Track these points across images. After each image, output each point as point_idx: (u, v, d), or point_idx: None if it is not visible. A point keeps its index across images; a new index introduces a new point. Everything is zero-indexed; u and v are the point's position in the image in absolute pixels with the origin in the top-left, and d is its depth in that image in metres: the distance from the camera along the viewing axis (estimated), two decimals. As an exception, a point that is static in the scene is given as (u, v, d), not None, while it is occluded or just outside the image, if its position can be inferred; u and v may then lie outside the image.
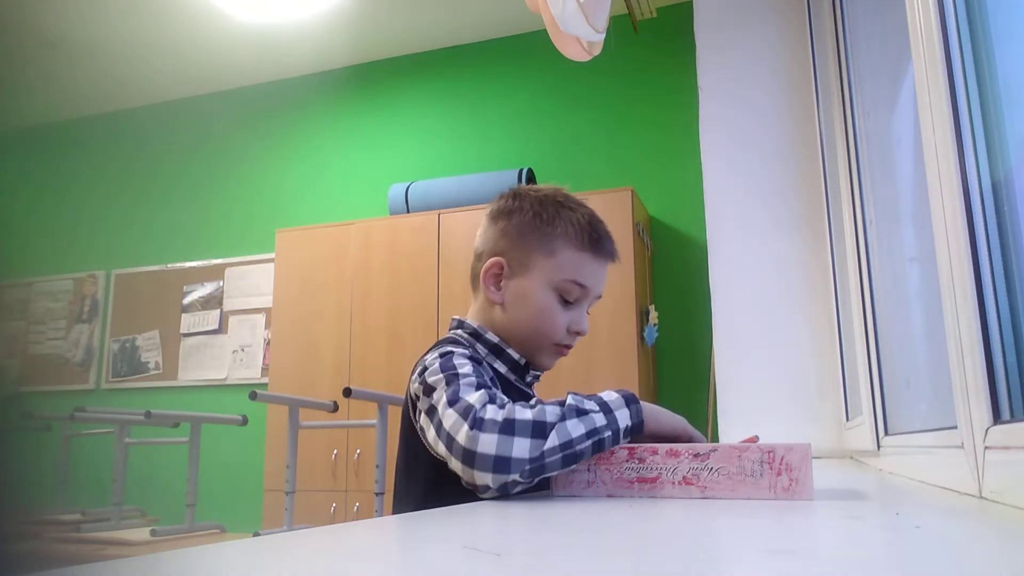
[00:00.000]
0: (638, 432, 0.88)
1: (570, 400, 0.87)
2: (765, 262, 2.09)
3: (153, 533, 2.96)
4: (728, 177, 2.17)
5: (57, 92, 4.63)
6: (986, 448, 0.68)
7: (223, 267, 4.43)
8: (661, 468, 0.79)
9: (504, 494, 0.82)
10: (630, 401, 0.88)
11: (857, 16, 1.71)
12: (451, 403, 0.87)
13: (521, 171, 3.56)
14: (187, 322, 4.44)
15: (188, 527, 3.10)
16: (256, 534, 2.29)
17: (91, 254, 4.78)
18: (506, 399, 0.88)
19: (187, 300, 4.47)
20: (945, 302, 0.80)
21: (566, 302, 1.08)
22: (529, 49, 3.99)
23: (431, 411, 0.91)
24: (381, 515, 2.50)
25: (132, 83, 4.58)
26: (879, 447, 1.45)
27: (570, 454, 0.82)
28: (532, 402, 0.87)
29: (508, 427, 0.82)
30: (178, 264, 4.55)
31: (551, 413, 0.84)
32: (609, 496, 0.80)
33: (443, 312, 3.41)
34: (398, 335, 3.47)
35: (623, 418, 0.86)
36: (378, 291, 3.55)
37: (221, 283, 4.42)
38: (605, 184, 3.62)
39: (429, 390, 0.93)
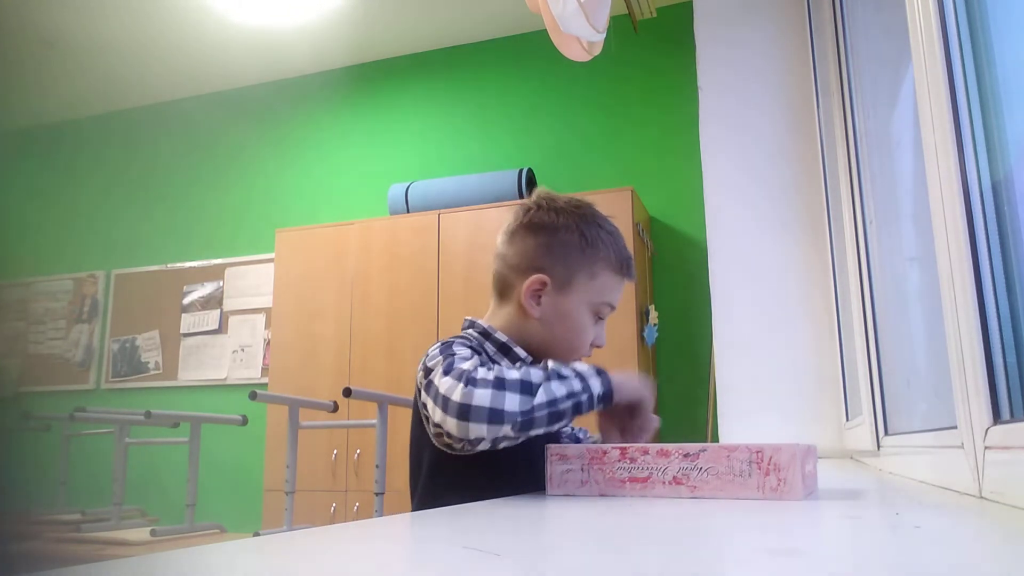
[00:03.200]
0: (609, 400, 0.97)
1: (551, 365, 0.95)
2: (765, 262, 2.09)
3: (153, 533, 2.96)
4: (728, 177, 2.17)
5: (57, 92, 4.63)
6: (986, 448, 0.68)
7: (223, 267, 4.43)
8: (652, 468, 0.79)
9: (494, 447, 0.89)
10: (600, 372, 0.98)
11: (857, 16, 1.71)
12: (446, 372, 0.93)
13: (521, 171, 3.56)
14: (187, 322, 4.44)
15: (188, 527, 3.10)
16: (256, 534, 2.30)
17: (91, 254, 4.78)
18: (494, 364, 0.96)
19: (187, 300, 4.47)
20: (945, 302, 0.80)
21: (597, 319, 1.16)
22: (529, 49, 3.99)
23: (428, 386, 0.95)
24: (381, 515, 2.50)
25: (132, 83, 4.59)
26: (879, 447, 1.45)
27: (554, 412, 0.90)
28: (516, 364, 0.95)
29: (499, 384, 0.89)
30: (178, 264, 4.55)
31: (535, 375, 0.92)
32: (602, 495, 0.80)
33: (443, 312, 3.41)
34: (398, 335, 3.47)
35: (595, 385, 0.95)
36: (378, 291, 3.55)
37: (221, 283, 4.42)
38: (605, 184, 3.62)
39: (428, 372, 0.98)
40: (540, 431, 0.90)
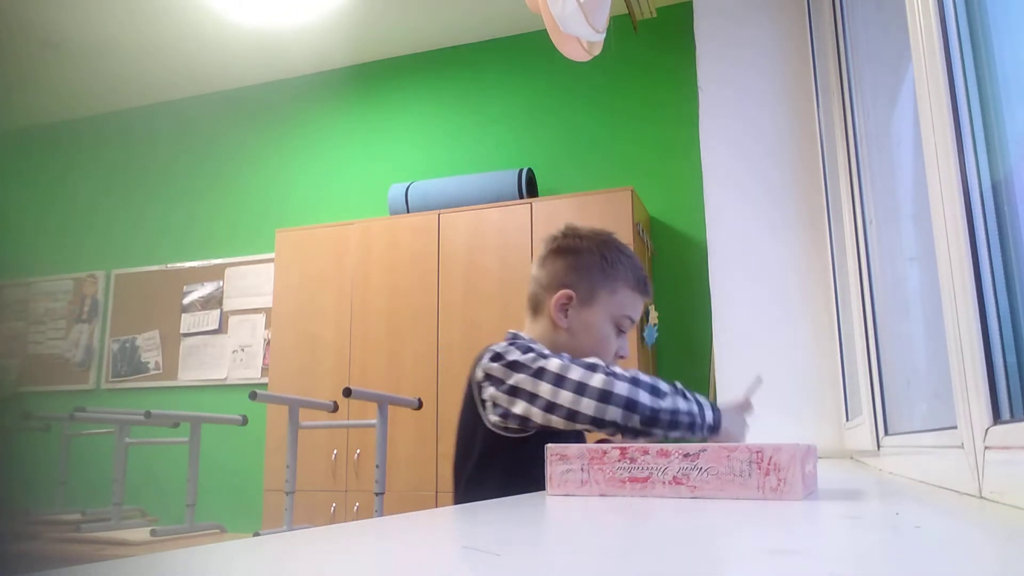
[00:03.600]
0: (716, 431, 1.12)
1: (678, 384, 1.12)
2: (765, 262, 2.09)
3: (153, 533, 2.96)
4: (728, 177, 2.17)
5: (58, 92, 4.63)
6: (986, 448, 0.68)
7: (223, 267, 4.43)
8: (652, 468, 0.79)
9: (620, 432, 1.07)
10: (715, 408, 1.14)
11: (857, 15, 1.71)
12: (569, 365, 1.10)
13: (521, 171, 3.56)
14: (187, 322, 4.44)
15: (188, 527, 3.10)
16: (256, 534, 2.29)
17: (91, 254, 4.78)
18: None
19: (187, 300, 4.47)
20: (945, 302, 0.80)
21: (619, 332, 1.31)
22: (529, 49, 3.99)
23: (539, 373, 1.12)
24: (381, 515, 2.50)
25: (132, 83, 4.59)
26: (879, 447, 1.45)
27: (674, 420, 1.07)
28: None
29: (635, 381, 1.08)
30: (178, 264, 4.55)
31: (664, 384, 1.10)
32: (602, 495, 0.80)
33: (443, 312, 3.41)
34: (398, 335, 3.47)
35: (709, 416, 1.11)
36: (378, 291, 3.55)
37: (221, 283, 4.42)
38: (605, 184, 3.62)
39: (515, 365, 1.15)
40: (659, 432, 1.06)
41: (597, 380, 1.07)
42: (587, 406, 1.06)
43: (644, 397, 1.06)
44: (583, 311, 1.29)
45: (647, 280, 1.35)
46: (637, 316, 1.33)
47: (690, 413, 1.08)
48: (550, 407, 1.10)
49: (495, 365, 1.17)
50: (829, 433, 1.94)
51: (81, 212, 4.85)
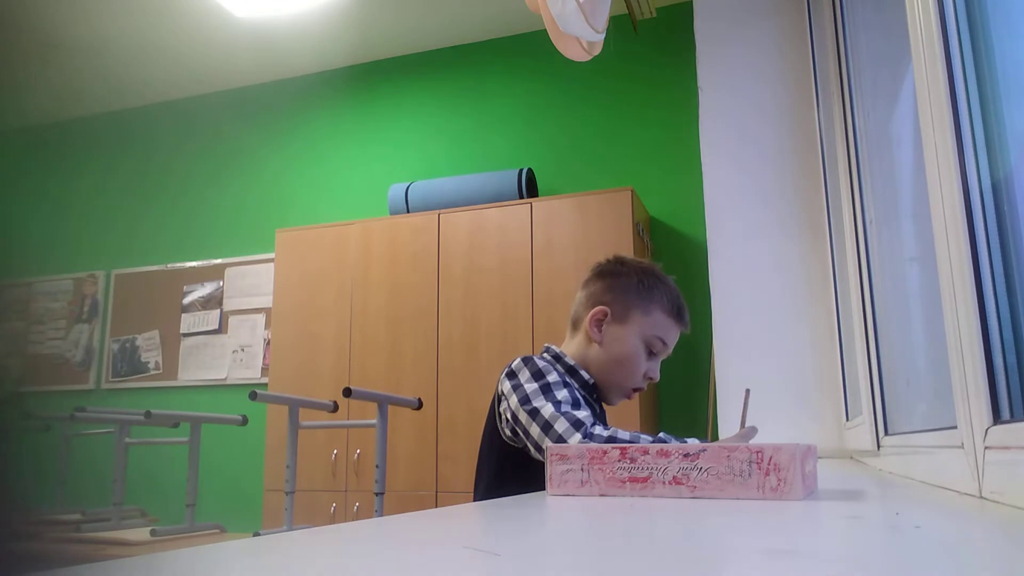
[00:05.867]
0: None
1: (662, 435, 1.16)
2: (765, 262, 2.09)
3: (153, 533, 2.96)
4: (728, 177, 2.17)
5: (58, 92, 4.63)
6: (986, 448, 0.68)
7: (223, 267, 4.43)
8: (652, 468, 0.79)
9: None
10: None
11: (857, 15, 1.71)
12: (559, 416, 1.17)
13: (521, 171, 3.56)
14: (187, 322, 4.44)
15: (188, 527, 3.10)
16: (256, 534, 2.29)
17: (91, 254, 4.78)
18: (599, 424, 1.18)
19: (187, 300, 4.47)
20: (945, 302, 0.80)
21: (650, 353, 1.36)
22: (529, 49, 3.99)
23: (533, 413, 1.20)
24: (381, 515, 2.50)
25: (132, 83, 4.58)
26: (879, 447, 1.45)
27: None
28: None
29: (612, 441, 1.10)
30: (178, 264, 4.55)
31: (644, 440, 1.12)
32: (602, 495, 0.80)
33: (443, 312, 3.41)
34: (398, 335, 3.47)
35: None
36: (378, 291, 3.55)
37: (221, 283, 4.42)
38: (605, 184, 3.62)
39: (524, 395, 1.23)
40: None
41: (574, 440, 1.13)
42: (557, 430, 1.14)
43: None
44: (616, 327, 1.35)
45: (684, 309, 1.41)
46: (670, 341, 1.38)
47: None
48: (538, 448, 1.20)
49: (508, 385, 1.27)
50: (829, 433, 1.94)
51: (81, 212, 4.85)
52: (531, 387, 1.22)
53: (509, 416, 1.25)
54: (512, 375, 1.27)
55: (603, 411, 1.42)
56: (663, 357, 1.40)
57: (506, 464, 1.28)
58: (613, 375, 1.35)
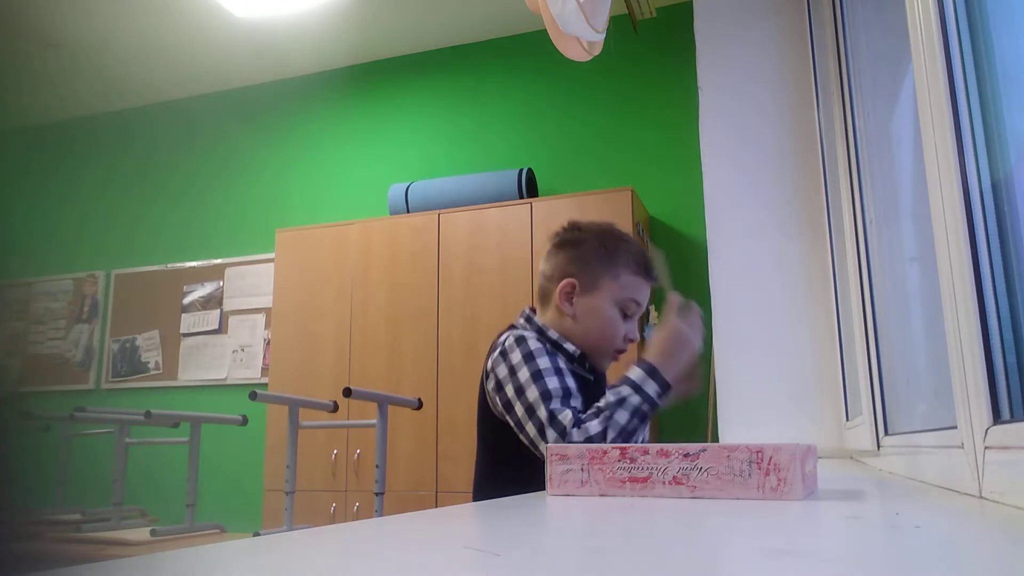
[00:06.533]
0: (667, 391, 1.19)
1: (612, 396, 1.17)
2: (765, 262, 2.09)
3: (153, 533, 2.96)
4: (728, 177, 2.17)
5: (58, 92, 4.63)
6: (986, 448, 0.68)
7: (223, 267, 4.43)
8: (652, 468, 0.79)
9: None
10: (652, 371, 1.19)
11: (857, 15, 1.71)
12: (540, 403, 1.18)
13: (521, 171, 3.56)
14: (187, 322, 4.44)
15: (188, 527, 3.10)
16: (256, 534, 2.29)
17: (91, 254, 4.78)
18: (580, 409, 1.20)
19: (187, 300, 4.47)
20: (945, 302, 0.80)
21: (625, 316, 1.35)
22: (529, 49, 3.99)
23: (529, 411, 1.21)
24: (381, 515, 2.50)
25: (132, 83, 4.58)
26: (879, 447, 1.45)
27: (628, 433, 1.15)
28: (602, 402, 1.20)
29: (590, 441, 1.13)
30: (178, 264, 4.55)
31: (603, 418, 1.15)
32: (602, 495, 0.80)
33: (443, 312, 3.41)
34: (398, 335, 3.47)
35: (651, 389, 1.17)
36: (378, 291, 3.55)
37: (221, 283, 4.42)
38: (605, 184, 3.62)
39: (505, 355, 1.26)
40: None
41: (553, 439, 1.16)
42: (552, 437, 1.16)
43: (597, 438, 1.14)
44: (587, 298, 1.34)
45: (649, 263, 1.38)
46: (643, 300, 1.37)
47: (635, 411, 1.15)
48: (520, 428, 1.23)
49: (503, 372, 1.27)
50: (829, 433, 1.94)
51: (81, 212, 4.85)
52: (523, 376, 1.23)
53: (502, 407, 1.27)
54: (504, 355, 1.28)
55: (601, 376, 1.41)
56: (639, 316, 1.39)
57: (502, 434, 1.29)
58: (594, 343, 1.35)
